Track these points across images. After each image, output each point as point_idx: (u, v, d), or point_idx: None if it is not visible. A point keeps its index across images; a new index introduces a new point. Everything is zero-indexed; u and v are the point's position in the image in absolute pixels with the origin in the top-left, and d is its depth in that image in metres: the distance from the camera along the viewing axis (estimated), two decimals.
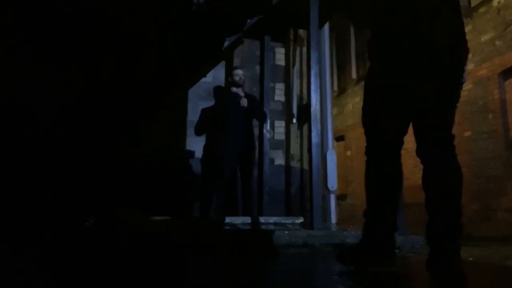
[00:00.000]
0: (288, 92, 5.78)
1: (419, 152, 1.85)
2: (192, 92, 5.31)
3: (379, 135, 1.94)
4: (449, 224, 1.70)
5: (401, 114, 1.88)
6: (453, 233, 1.69)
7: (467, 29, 6.95)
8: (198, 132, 4.78)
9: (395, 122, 1.89)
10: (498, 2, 6.46)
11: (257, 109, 4.58)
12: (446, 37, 1.76)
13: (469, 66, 6.93)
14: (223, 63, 5.55)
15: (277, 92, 5.75)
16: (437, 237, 1.71)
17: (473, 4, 7.04)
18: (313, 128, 3.68)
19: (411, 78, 1.80)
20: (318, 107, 3.75)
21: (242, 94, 4.60)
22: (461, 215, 1.72)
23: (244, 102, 4.39)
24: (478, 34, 6.80)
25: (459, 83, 1.82)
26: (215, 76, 5.46)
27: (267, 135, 5.02)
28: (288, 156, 5.61)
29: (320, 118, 3.91)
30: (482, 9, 6.77)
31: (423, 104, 1.80)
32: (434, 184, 1.79)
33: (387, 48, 1.89)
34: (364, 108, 2.02)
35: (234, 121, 4.44)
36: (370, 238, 1.93)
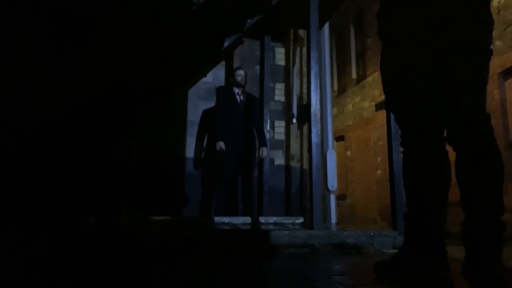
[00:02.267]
0: (288, 92, 5.78)
1: (450, 138, 1.58)
2: (192, 92, 5.31)
3: (411, 122, 1.66)
4: (489, 223, 1.44)
5: (429, 93, 1.60)
6: (495, 233, 1.44)
7: None
8: (200, 139, 4.84)
9: (425, 103, 1.61)
10: (498, 2, 6.46)
11: (258, 130, 4.59)
12: (464, 3, 1.53)
13: None
14: (223, 63, 5.55)
15: (277, 92, 5.75)
16: (475, 238, 1.45)
17: None
18: (313, 128, 3.68)
19: (430, 51, 1.56)
20: (318, 107, 3.75)
21: (243, 94, 4.61)
22: (503, 211, 1.47)
23: (264, 152, 4.52)
24: None
25: (486, 53, 1.56)
26: (215, 76, 5.46)
27: (267, 135, 5.02)
28: (288, 156, 5.61)
29: (320, 118, 3.91)
30: None
31: (449, 78, 1.54)
32: (471, 175, 1.50)
33: (400, 17, 1.64)
34: (386, 93, 1.75)
35: (234, 121, 4.44)
36: (411, 245, 1.63)
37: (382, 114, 7.60)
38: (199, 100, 5.26)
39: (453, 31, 1.53)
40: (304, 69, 5.68)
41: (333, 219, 5.20)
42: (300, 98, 5.76)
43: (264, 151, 4.52)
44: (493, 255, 1.40)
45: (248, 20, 5.17)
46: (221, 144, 4.27)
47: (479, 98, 1.53)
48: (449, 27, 1.53)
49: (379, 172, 9.43)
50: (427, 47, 1.58)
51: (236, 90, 4.58)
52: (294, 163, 5.62)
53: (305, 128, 5.53)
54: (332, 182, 5.15)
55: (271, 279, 1.94)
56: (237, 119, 4.47)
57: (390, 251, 2.97)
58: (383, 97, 2.97)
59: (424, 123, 1.63)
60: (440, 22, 1.54)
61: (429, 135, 1.64)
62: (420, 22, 1.58)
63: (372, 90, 9.91)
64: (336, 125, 10.17)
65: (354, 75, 11.16)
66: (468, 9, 1.54)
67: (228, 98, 4.57)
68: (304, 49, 5.65)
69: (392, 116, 3.51)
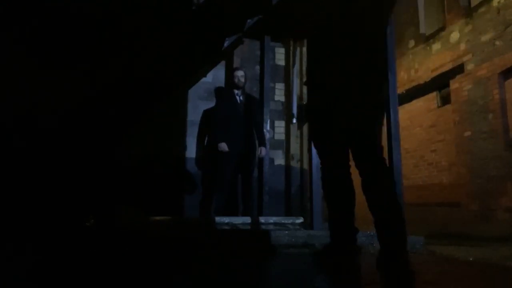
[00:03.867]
0: (288, 92, 5.78)
1: (356, 165, 2.12)
2: (192, 92, 5.31)
3: (322, 152, 2.26)
4: (390, 223, 1.97)
5: (339, 132, 2.16)
6: (396, 230, 1.94)
7: (467, 29, 7.00)
8: (200, 139, 4.84)
9: (330, 140, 2.20)
10: (498, 2, 6.46)
11: (257, 130, 4.58)
12: (358, 66, 2.08)
13: (469, 66, 6.93)
14: (223, 63, 5.55)
15: (277, 92, 5.74)
16: (384, 237, 1.97)
17: (473, 4, 7.04)
18: None
19: (333, 99, 2.12)
20: None
21: (242, 95, 4.61)
22: (400, 213, 2.01)
23: (263, 152, 4.48)
24: (478, 34, 6.80)
25: (375, 104, 2.14)
26: (215, 76, 5.46)
27: (267, 135, 5.02)
28: (288, 156, 5.61)
29: None
30: (482, 9, 6.77)
31: (353, 122, 2.09)
32: (370, 190, 2.06)
33: (313, 73, 2.24)
34: (309, 130, 2.40)
35: (234, 121, 4.44)
36: (333, 241, 2.20)
37: None
38: (199, 100, 5.26)
39: (355, 85, 2.07)
40: (304, 69, 5.68)
41: None
42: (300, 98, 5.76)
43: (263, 151, 4.52)
44: (399, 251, 1.90)
45: (248, 20, 5.16)
46: (223, 146, 4.28)
47: (376, 136, 2.09)
48: (350, 81, 2.08)
49: None
50: (337, 98, 2.11)
51: (236, 90, 4.58)
52: (294, 163, 5.62)
53: (305, 128, 5.53)
54: None
55: (271, 279, 1.94)
56: (237, 119, 4.47)
57: None
58: None
59: (336, 153, 2.19)
60: (344, 77, 2.09)
61: (340, 161, 2.19)
62: (331, 75, 2.13)
63: None
64: None
65: None
66: (362, 73, 2.07)
67: (228, 99, 4.56)
68: (304, 49, 5.65)
69: (392, 116, 3.53)
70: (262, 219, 3.84)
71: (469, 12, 7.03)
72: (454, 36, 7.30)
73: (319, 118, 2.22)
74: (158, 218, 4.19)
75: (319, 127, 2.24)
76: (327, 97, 2.13)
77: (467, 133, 6.88)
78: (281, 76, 5.82)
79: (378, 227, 2.02)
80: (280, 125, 5.67)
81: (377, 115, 2.18)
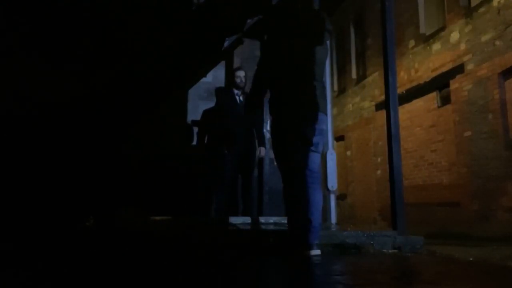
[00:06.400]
0: None
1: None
2: (192, 92, 5.31)
3: (281, 172, 2.78)
4: (302, 223, 2.57)
5: (286, 159, 2.74)
6: (304, 228, 2.55)
7: (467, 29, 7.00)
8: (200, 139, 4.83)
9: (283, 163, 2.75)
10: (498, 2, 6.45)
11: (257, 130, 4.58)
12: (298, 99, 2.71)
13: (469, 66, 6.93)
14: (223, 63, 5.55)
15: None
16: (295, 233, 2.62)
17: (473, 4, 7.04)
18: None
19: (281, 121, 2.76)
20: None
21: (242, 95, 4.61)
22: (309, 217, 2.58)
23: (263, 152, 4.49)
24: (478, 34, 6.80)
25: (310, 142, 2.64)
26: (215, 76, 5.46)
27: (267, 135, 5.02)
28: None
29: None
30: (482, 9, 6.77)
31: (289, 151, 2.69)
32: (298, 201, 2.63)
33: (272, 98, 2.90)
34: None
35: (234, 121, 4.44)
36: (290, 237, 2.69)
37: (382, 114, 7.57)
38: (199, 100, 5.26)
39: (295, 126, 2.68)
40: None
41: (333, 219, 5.19)
42: None
43: (262, 151, 4.52)
44: (303, 243, 2.52)
45: (248, 20, 5.16)
46: (223, 150, 4.29)
47: (306, 161, 2.64)
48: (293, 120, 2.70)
49: (379, 172, 9.43)
50: (280, 118, 2.79)
51: (236, 90, 4.58)
52: None
53: None
54: (332, 182, 5.14)
55: (271, 278, 1.94)
56: (237, 119, 4.47)
57: (390, 251, 2.97)
58: (383, 97, 3.36)
59: (286, 174, 2.74)
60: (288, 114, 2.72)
61: (289, 179, 2.71)
62: (278, 110, 2.82)
63: (372, 90, 9.91)
64: (336, 125, 10.16)
65: (354, 75, 11.16)
66: (300, 107, 2.70)
67: (228, 99, 4.57)
68: None
69: (392, 116, 3.52)
70: (262, 219, 3.84)
71: (469, 12, 7.03)
72: (454, 36, 7.31)
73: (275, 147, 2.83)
74: (157, 218, 4.19)
75: (277, 155, 2.83)
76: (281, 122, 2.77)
77: (467, 133, 6.88)
78: None
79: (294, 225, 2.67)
80: None
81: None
